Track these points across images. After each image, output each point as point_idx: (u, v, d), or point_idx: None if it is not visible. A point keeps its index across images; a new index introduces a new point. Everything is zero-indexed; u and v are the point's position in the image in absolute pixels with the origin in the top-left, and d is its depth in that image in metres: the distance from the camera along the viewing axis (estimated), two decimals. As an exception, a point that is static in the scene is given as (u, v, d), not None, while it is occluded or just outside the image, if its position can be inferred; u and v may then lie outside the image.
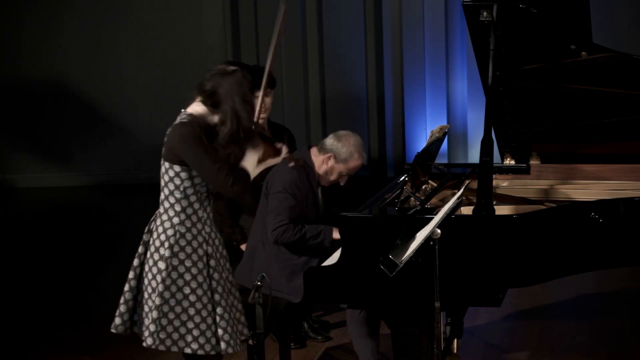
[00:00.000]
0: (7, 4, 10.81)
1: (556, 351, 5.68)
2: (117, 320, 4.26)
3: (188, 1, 10.74)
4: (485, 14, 4.81)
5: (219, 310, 4.13)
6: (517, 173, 5.51)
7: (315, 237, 5.00)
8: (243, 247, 5.52)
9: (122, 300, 4.25)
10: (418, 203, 4.71)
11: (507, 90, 5.20)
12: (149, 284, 4.16)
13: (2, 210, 10.34)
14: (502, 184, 5.47)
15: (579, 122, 5.36)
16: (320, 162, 5.15)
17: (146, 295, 4.18)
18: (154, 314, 4.11)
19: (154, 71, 10.76)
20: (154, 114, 10.52)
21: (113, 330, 4.27)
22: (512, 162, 5.55)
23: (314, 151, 5.18)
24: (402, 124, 10.46)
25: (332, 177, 5.18)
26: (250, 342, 4.69)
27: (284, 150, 4.34)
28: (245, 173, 4.14)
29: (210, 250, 4.15)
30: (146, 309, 4.19)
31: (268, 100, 5.89)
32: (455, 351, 5.52)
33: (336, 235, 4.92)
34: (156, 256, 4.14)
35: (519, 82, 5.20)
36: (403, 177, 5.16)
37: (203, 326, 4.11)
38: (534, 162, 5.53)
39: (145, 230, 4.24)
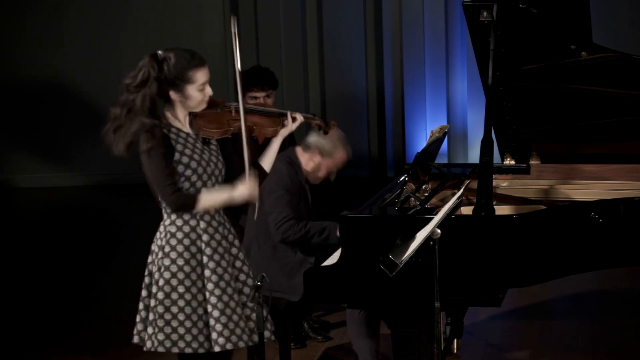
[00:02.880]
0: (7, 4, 10.81)
1: (556, 351, 5.68)
2: (135, 338, 4.18)
3: (188, 1, 10.74)
4: (485, 14, 4.81)
5: (214, 313, 4.02)
6: (517, 173, 5.51)
7: (320, 233, 5.00)
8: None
9: (138, 319, 4.17)
10: (418, 203, 4.71)
11: (507, 90, 5.20)
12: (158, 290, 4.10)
13: (2, 210, 10.34)
14: (502, 184, 5.47)
15: (579, 122, 5.37)
16: (306, 160, 5.15)
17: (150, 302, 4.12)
18: (150, 316, 4.04)
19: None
20: (154, 113, 10.50)
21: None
22: (512, 162, 5.55)
23: (298, 150, 5.19)
24: (402, 124, 10.46)
25: (321, 174, 5.17)
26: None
27: (290, 116, 4.26)
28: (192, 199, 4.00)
29: (204, 246, 4.04)
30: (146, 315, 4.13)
31: (269, 101, 5.89)
32: (455, 351, 5.52)
33: None
34: (152, 260, 4.11)
35: (519, 82, 5.20)
36: (403, 177, 5.16)
37: (200, 324, 4.03)
38: (534, 162, 5.53)
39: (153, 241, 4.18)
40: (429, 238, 4.16)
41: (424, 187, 5.19)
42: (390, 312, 4.50)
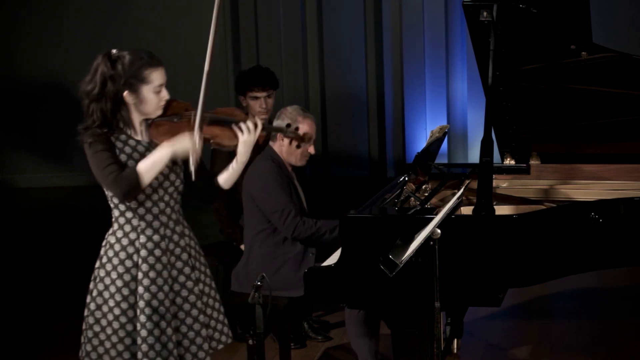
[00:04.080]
0: (7, 4, 10.81)
1: (556, 351, 5.68)
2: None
3: (188, 1, 10.74)
4: (485, 14, 4.81)
5: (142, 332, 3.85)
6: (517, 173, 5.51)
7: (331, 231, 5.00)
8: (242, 247, 5.52)
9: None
10: (418, 203, 4.71)
11: (507, 90, 5.20)
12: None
13: (2, 210, 10.34)
14: (502, 184, 5.47)
15: (579, 122, 5.37)
16: (279, 148, 5.14)
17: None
18: (83, 324, 3.97)
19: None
20: (153, 113, 10.51)
21: None
22: (512, 162, 5.55)
23: (272, 144, 5.18)
24: (402, 124, 10.46)
25: (298, 152, 5.13)
26: (250, 342, 4.66)
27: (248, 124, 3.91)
28: (133, 173, 3.75)
29: (141, 262, 3.86)
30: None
31: (270, 101, 5.89)
32: (455, 351, 5.52)
33: None
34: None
35: (519, 82, 5.20)
36: (403, 177, 5.16)
37: (127, 341, 3.88)
38: (534, 162, 5.53)
39: None
40: (429, 238, 4.16)
41: (424, 187, 5.19)
42: (390, 312, 4.50)
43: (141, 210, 3.88)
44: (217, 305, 4.07)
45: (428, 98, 10.32)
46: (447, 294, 4.34)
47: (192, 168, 3.81)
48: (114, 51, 3.93)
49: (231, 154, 4.01)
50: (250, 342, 4.82)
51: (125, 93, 3.86)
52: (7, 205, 10.62)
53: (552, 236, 4.49)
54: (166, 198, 3.90)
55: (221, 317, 4.07)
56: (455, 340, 5.52)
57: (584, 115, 5.32)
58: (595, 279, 6.64)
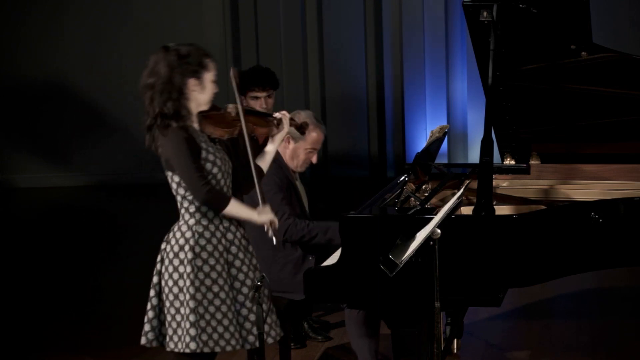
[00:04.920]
0: (7, 4, 10.81)
1: (556, 351, 5.68)
2: (143, 339, 4.19)
3: (188, 1, 10.74)
4: (485, 14, 4.81)
5: (243, 311, 4.11)
6: (517, 173, 5.51)
7: (324, 233, 4.98)
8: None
9: (145, 319, 4.18)
10: (418, 203, 4.71)
11: (507, 90, 5.20)
12: (170, 291, 4.10)
13: (2, 210, 10.34)
14: (502, 184, 5.47)
15: (579, 122, 5.37)
16: (282, 150, 5.12)
17: (168, 304, 4.11)
18: (191, 317, 4.04)
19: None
20: (153, 113, 10.50)
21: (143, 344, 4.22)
22: (512, 162, 5.55)
23: None
24: (402, 124, 10.46)
25: (301, 158, 5.13)
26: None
27: (280, 117, 4.27)
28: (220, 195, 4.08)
29: (229, 245, 4.11)
30: (169, 317, 4.11)
31: (270, 101, 5.89)
32: (455, 351, 5.52)
33: None
34: (176, 262, 4.09)
35: (519, 82, 5.20)
36: (403, 177, 5.16)
37: (232, 327, 4.10)
38: (534, 162, 5.53)
39: (164, 240, 4.18)
40: (429, 238, 4.16)
41: (424, 187, 5.19)
42: (390, 312, 4.49)
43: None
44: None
45: (428, 98, 10.32)
46: (447, 294, 4.34)
47: (270, 233, 4.15)
48: (171, 44, 4.09)
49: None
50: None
51: (192, 80, 4.04)
52: (7, 205, 10.63)
53: (552, 236, 4.49)
54: (230, 192, 4.16)
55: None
56: (455, 340, 5.52)
57: (584, 115, 5.32)
58: (595, 279, 6.64)
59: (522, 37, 5.00)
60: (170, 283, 4.09)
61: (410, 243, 4.20)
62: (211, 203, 4.04)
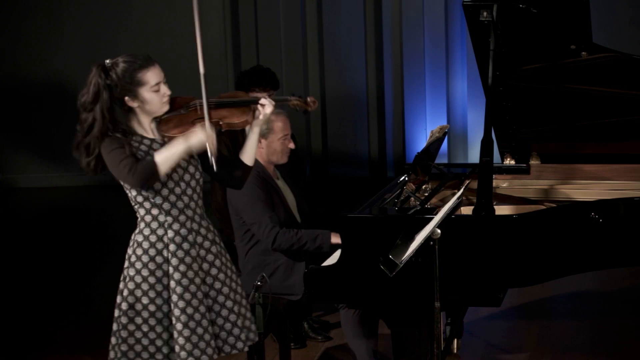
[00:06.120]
0: (7, 4, 10.81)
1: (556, 351, 5.68)
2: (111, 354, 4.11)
3: (188, 1, 10.72)
4: (485, 14, 4.81)
5: (218, 320, 3.97)
6: (517, 173, 5.52)
7: (313, 241, 4.97)
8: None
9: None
10: (418, 203, 4.71)
11: (507, 90, 5.20)
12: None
13: (2, 210, 10.34)
14: (502, 184, 5.47)
15: (579, 122, 5.37)
16: (258, 152, 5.06)
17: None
18: (114, 326, 3.98)
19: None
20: (153, 113, 10.51)
21: None
22: (512, 162, 5.55)
23: None
24: (402, 124, 10.46)
25: (278, 150, 5.10)
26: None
27: (261, 105, 4.03)
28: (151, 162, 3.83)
29: (170, 256, 3.93)
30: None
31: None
32: (455, 351, 5.52)
33: (335, 239, 4.90)
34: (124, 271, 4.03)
35: (519, 82, 5.20)
36: (403, 177, 5.16)
37: (165, 336, 3.94)
38: (534, 162, 5.53)
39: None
40: (429, 238, 4.16)
41: (424, 187, 5.19)
42: (390, 312, 4.50)
43: (166, 206, 3.94)
44: (244, 302, 4.13)
45: (428, 98, 10.32)
46: (447, 294, 4.34)
47: (212, 159, 3.88)
48: (107, 61, 3.95)
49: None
50: (246, 347, 4.81)
51: (126, 98, 3.92)
52: (7, 205, 10.62)
53: (552, 236, 4.49)
54: (189, 192, 3.97)
55: (249, 314, 4.14)
56: (455, 340, 5.51)
57: (584, 115, 5.32)
58: (595, 279, 6.64)
59: (522, 37, 5.00)
60: (125, 293, 4.04)
61: (410, 243, 4.20)
62: (142, 181, 3.82)
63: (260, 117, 4.03)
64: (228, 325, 4.02)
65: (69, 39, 10.81)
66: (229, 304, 4.02)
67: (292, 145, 5.14)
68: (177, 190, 3.94)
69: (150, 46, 10.71)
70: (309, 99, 4.29)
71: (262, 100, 4.03)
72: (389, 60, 10.43)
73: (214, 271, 4.01)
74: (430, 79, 10.29)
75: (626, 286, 6.72)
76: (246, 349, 4.06)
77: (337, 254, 4.60)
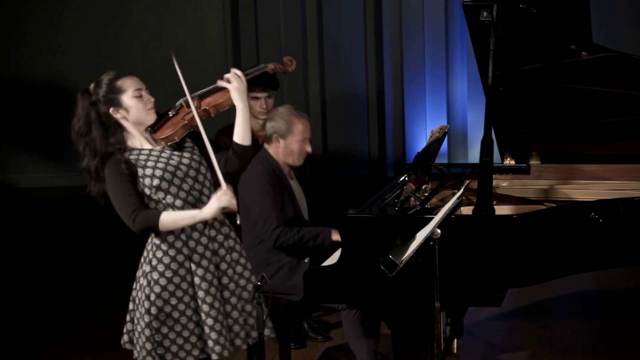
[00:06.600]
0: (7, 4, 10.80)
1: (556, 351, 5.68)
2: (125, 337, 4.19)
3: (188, 1, 10.73)
4: (485, 14, 4.81)
5: (208, 321, 4.01)
6: (517, 173, 5.51)
7: (314, 239, 4.98)
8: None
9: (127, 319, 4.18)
10: (418, 203, 4.71)
11: (507, 90, 5.20)
12: (139, 302, 4.09)
13: (2, 210, 10.34)
14: (502, 184, 5.47)
15: (579, 122, 5.37)
16: (274, 150, 5.11)
17: (138, 315, 4.10)
18: (147, 332, 4.01)
19: (153, 71, 10.75)
20: (153, 114, 10.51)
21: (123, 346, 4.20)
22: (512, 162, 5.55)
23: (266, 147, 5.16)
24: (402, 124, 10.46)
25: (296, 152, 5.12)
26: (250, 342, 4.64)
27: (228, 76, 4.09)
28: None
29: (191, 253, 4.01)
30: (138, 327, 4.09)
31: (270, 101, 5.89)
32: (455, 351, 5.52)
33: (335, 236, 4.91)
34: (139, 272, 4.09)
35: (519, 82, 5.20)
36: (403, 177, 5.16)
37: (193, 339, 4.02)
38: (534, 162, 5.53)
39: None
40: (429, 238, 4.16)
41: (424, 187, 5.19)
42: (390, 312, 4.50)
43: (178, 203, 4.02)
44: (248, 307, 4.19)
45: (428, 98, 10.32)
46: (447, 294, 4.34)
47: (238, 216, 4.01)
48: (90, 86, 4.03)
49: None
50: (250, 342, 4.81)
51: (111, 110, 3.98)
52: (7, 205, 10.62)
53: (552, 236, 4.49)
54: (197, 186, 4.05)
55: (254, 312, 4.18)
56: (455, 340, 5.52)
57: (584, 115, 5.32)
58: (595, 280, 6.64)
59: (522, 37, 5.00)
60: (139, 294, 4.09)
61: (410, 243, 4.20)
62: (140, 230, 3.96)
63: (234, 92, 4.06)
64: (229, 321, 4.09)
65: (69, 39, 10.80)
66: (233, 300, 4.10)
67: (309, 149, 5.16)
68: (185, 186, 4.01)
69: (150, 46, 10.72)
70: (285, 59, 4.33)
71: (226, 75, 4.09)
72: (389, 60, 10.42)
73: (223, 266, 4.10)
74: (430, 79, 10.29)
75: (626, 286, 6.72)
76: (245, 346, 4.13)
77: (337, 254, 4.59)
